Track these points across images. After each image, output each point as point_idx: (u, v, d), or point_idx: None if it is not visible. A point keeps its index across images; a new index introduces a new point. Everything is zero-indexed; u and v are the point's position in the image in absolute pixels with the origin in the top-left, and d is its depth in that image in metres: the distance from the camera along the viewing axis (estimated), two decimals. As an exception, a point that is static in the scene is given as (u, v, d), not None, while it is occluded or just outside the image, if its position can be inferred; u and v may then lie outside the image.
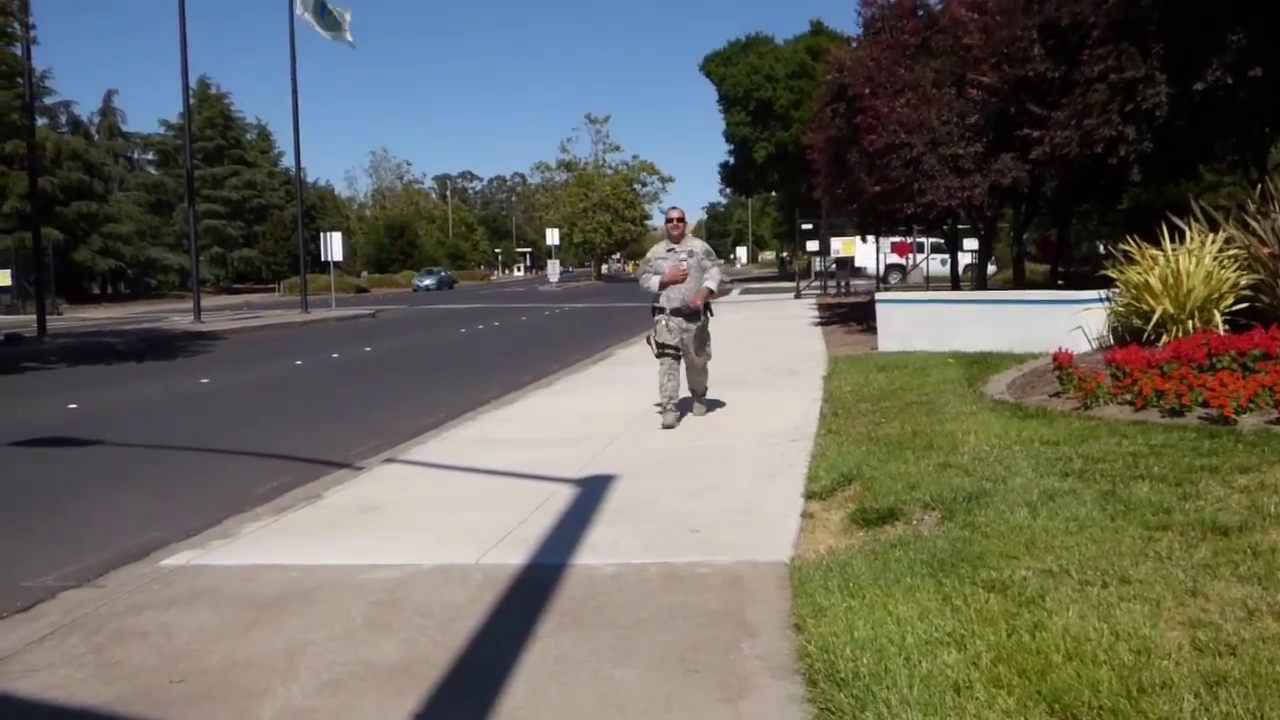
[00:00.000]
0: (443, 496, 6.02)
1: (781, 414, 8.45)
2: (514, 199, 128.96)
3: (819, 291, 34.00)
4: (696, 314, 8.15)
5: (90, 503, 6.58)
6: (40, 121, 34.54)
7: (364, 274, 70.65)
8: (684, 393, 8.53)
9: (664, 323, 8.19)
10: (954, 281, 22.44)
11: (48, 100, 52.18)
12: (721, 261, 8.71)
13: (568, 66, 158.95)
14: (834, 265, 34.40)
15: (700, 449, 7.25)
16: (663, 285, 8.14)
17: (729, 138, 51.70)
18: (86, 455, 8.31)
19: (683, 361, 8.28)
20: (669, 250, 8.22)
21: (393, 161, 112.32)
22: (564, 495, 5.84)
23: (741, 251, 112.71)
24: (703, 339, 8.29)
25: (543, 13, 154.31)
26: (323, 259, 34.91)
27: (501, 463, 6.87)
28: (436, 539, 5.02)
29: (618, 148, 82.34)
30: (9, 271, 35.06)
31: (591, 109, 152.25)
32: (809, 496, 5.52)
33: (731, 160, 54.09)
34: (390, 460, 7.29)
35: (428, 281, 61.95)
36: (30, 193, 22.80)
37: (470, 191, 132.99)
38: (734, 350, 13.19)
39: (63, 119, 56.71)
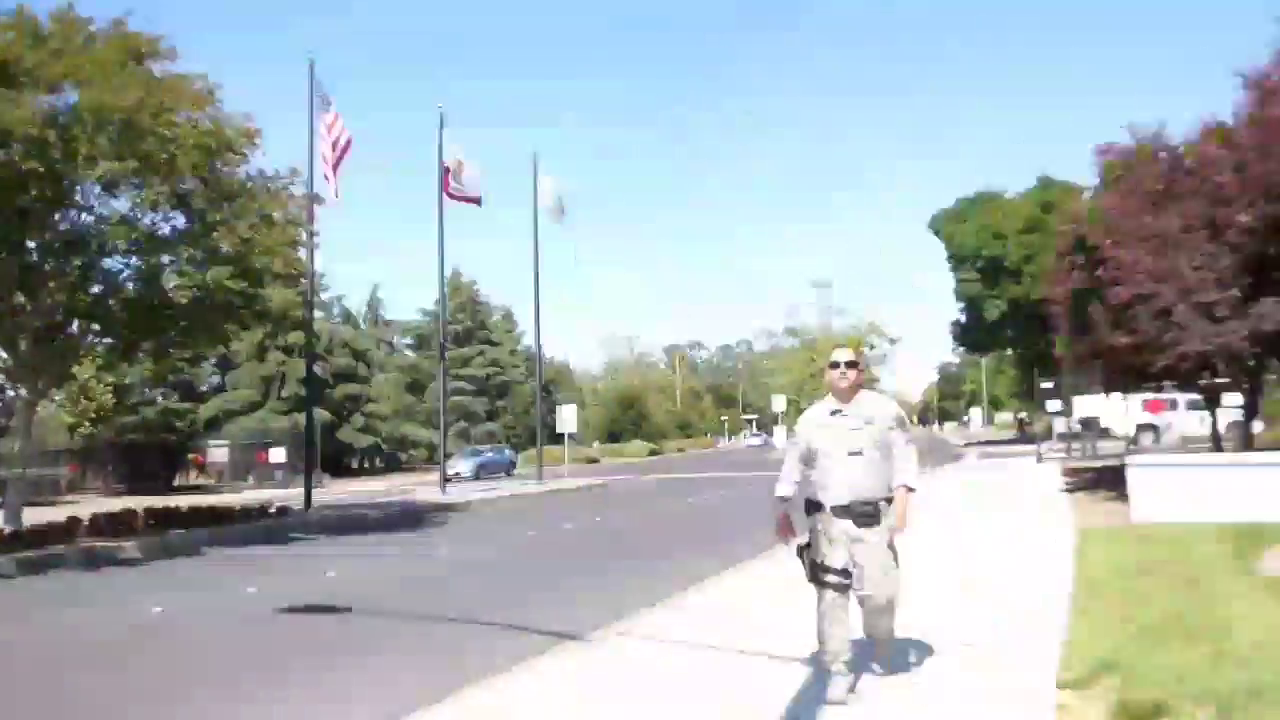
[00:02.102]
0: (658, 688, 5.97)
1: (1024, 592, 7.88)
2: (740, 366, 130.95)
3: (1062, 454, 32.00)
4: (875, 514, 5.10)
5: (340, 671, 6.98)
6: (317, 315, 38.85)
7: (595, 444, 73.02)
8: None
9: (823, 528, 5.18)
10: (1215, 442, 20.54)
11: (324, 295, 58.56)
12: (912, 433, 5.67)
13: (793, 232, 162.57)
14: (1079, 426, 32.45)
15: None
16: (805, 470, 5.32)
17: (959, 295, 50.58)
18: (341, 622, 8.86)
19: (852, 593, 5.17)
20: (833, 414, 5.25)
21: (622, 336, 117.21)
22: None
23: (976, 413, 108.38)
24: (887, 556, 5.16)
25: (764, 183, 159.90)
26: (558, 430, 36.46)
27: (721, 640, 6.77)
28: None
29: (843, 311, 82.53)
30: (283, 449, 38.68)
31: (816, 271, 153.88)
32: (1061, 686, 5.08)
33: (963, 319, 52.83)
34: (622, 634, 7.33)
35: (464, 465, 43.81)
36: (306, 379, 25.41)
37: (698, 360, 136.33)
38: (968, 522, 12.55)
39: (335, 311, 63.26)
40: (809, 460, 5.22)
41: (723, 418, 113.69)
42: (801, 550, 5.28)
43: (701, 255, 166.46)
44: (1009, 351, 61.15)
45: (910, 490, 5.13)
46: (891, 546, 5.13)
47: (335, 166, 24.50)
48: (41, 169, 14.88)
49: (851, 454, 5.05)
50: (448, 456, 33.42)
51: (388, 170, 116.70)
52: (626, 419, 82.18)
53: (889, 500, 5.08)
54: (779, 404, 63.51)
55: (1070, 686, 5.03)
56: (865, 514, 5.05)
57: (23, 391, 17.95)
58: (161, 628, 9.16)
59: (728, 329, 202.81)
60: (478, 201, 30.92)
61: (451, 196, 30.20)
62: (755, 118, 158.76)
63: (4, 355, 17.71)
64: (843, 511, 5.06)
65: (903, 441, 5.18)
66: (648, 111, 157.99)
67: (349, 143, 24.64)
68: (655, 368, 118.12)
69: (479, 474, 41.19)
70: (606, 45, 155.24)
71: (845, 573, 5.06)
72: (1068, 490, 18.62)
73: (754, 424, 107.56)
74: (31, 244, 16.49)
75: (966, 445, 54.58)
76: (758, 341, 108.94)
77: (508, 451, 47.53)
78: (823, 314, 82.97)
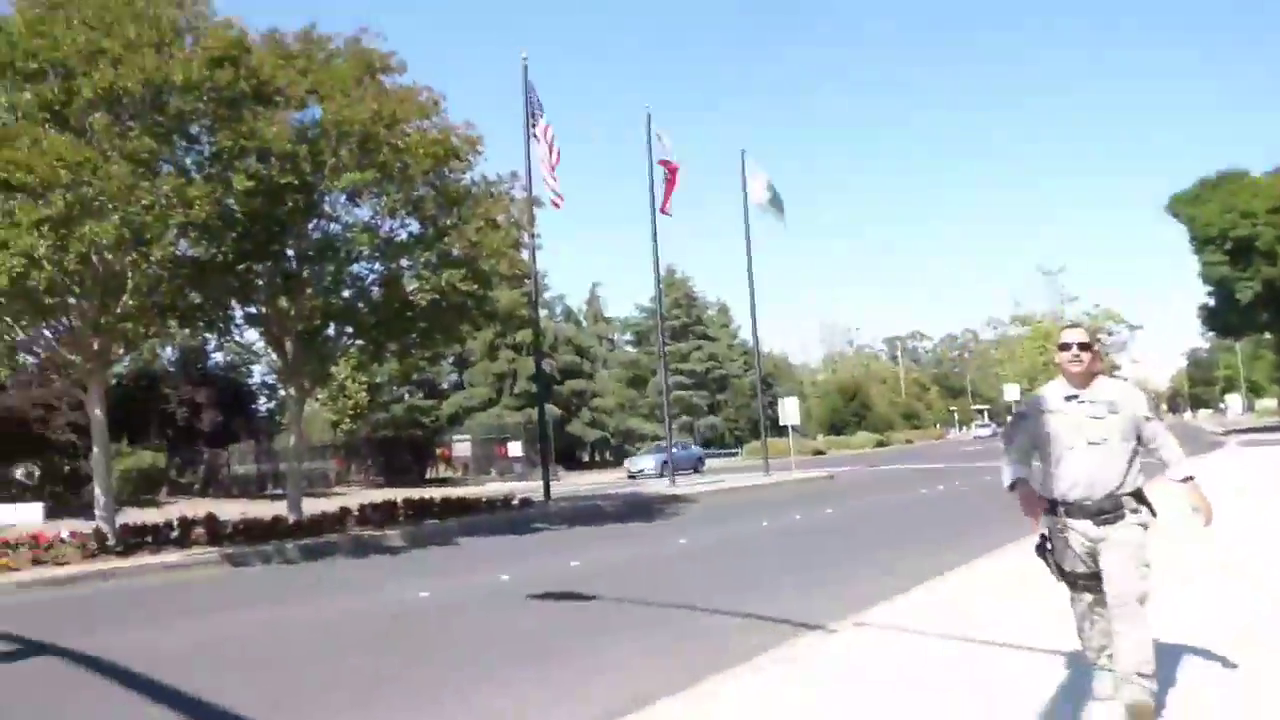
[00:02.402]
0: (915, 671, 5.66)
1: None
2: (966, 355, 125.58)
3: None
4: (1117, 510, 4.39)
5: (593, 654, 7.08)
6: (541, 314, 40.38)
7: (819, 437, 72.00)
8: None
9: (1061, 529, 4.57)
10: None
11: (546, 295, 60.73)
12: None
13: (1020, 218, 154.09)
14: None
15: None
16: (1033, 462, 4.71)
17: (1206, 278, 47.17)
18: (585, 609, 9.04)
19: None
20: (1069, 398, 4.58)
21: (841, 328, 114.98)
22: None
23: (1234, 399, 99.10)
24: (1134, 556, 4.39)
25: (988, 173, 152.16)
26: (780, 423, 36.16)
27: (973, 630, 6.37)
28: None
29: (1075, 298, 77.41)
30: (519, 443, 40.35)
31: (1043, 259, 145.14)
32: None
33: (1211, 302, 49.02)
34: (861, 624, 7.06)
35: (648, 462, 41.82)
36: (536, 375, 26.41)
37: (920, 351, 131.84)
38: (1242, 509, 11.35)
39: (558, 310, 65.47)
40: (1036, 447, 4.58)
41: (951, 408, 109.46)
42: (1041, 549, 4.67)
43: (921, 246, 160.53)
44: (1266, 335, 56.37)
45: (1190, 479, 4.48)
46: (1139, 545, 4.35)
47: (552, 170, 25.33)
48: (295, 181, 16.11)
49: (1092, 443, 4.37)
50: (657, 441, 33.82)
51: (598, 170, 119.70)
52: (849, 411, 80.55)
53: (1133, 495, 4.39)
54: (1011, 393, 60.36)
55: None
56: (1106, 511, 4.37)
57: (291, 391, 19.56)
58: (428, 611, 9.68)
59: (950, 320, 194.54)
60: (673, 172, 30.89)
61: (673, 176, 30.47)
62: (978, 100, 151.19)
63: (274, 357, 19.34)
64: (1079, 510, 4.41)
65: (1161, 430, 4.50)
66: (868, 96, 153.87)
67: (558, 153, 25.44)
68: (876, 359, 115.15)
69: (663, 472, 37.99)
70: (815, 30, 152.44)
71: (1094, 575, 4.45)
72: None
73: (984, 414, 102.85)
74: (290, 252, 17.91)
75: (1225, 433, 50.13)
76: (983, 331, 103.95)
77: (695, 448, 44.25)
78: (1053, 301, 78.14)
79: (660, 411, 39.15)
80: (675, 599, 9.16)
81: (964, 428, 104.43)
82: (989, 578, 8.89)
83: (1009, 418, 4.96)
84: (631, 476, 33.16)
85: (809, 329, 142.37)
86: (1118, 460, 4.39)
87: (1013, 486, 4.59)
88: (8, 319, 14.96)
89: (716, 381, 71.03)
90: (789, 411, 34.74)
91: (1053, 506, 4.52)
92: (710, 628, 7.82)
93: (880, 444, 72.53)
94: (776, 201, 35.67)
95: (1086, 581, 4.51)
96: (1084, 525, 4.41)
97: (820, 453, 60.18)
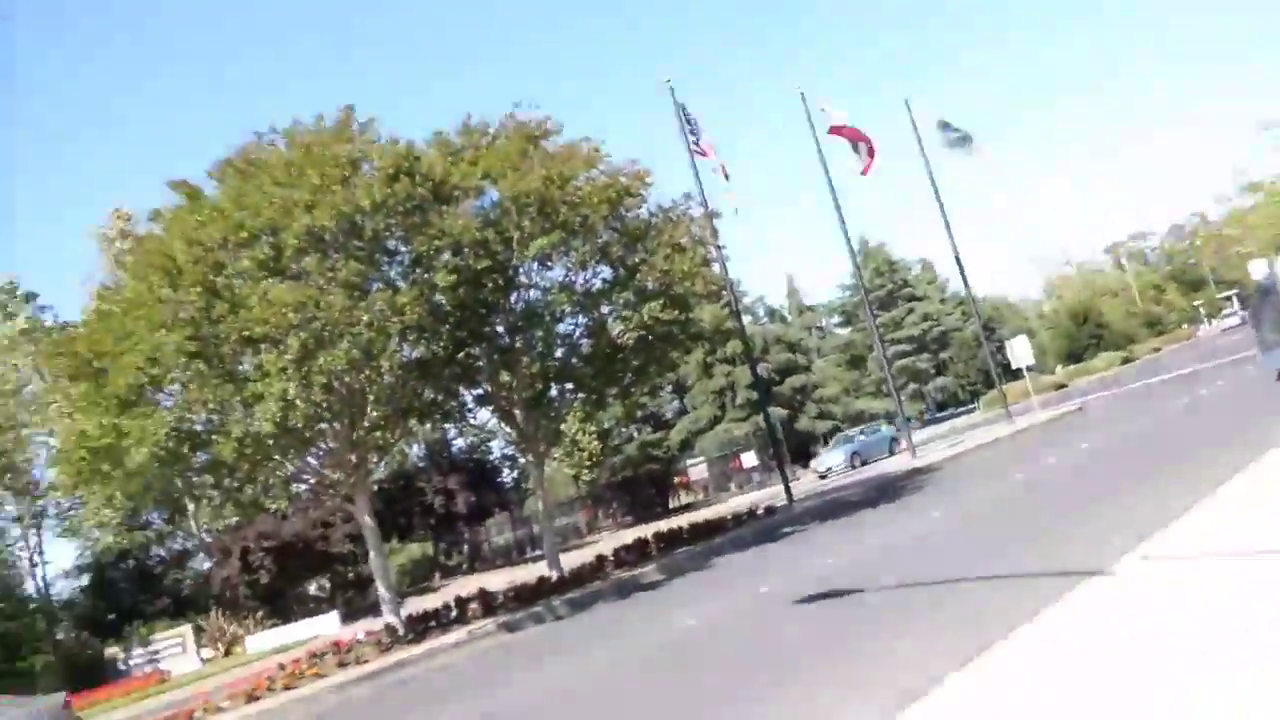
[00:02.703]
0: (1198, 603, 5.43)
1: None
2: (1198, 243, 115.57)
3: None
4: None
5: (870, 644, 7.17)
6: (745, 320, 40.56)
7: (1058, 370, 68.23)
8: None
9: None
10: None
11: (746, 301, 60.83)
12: None
13: (1233, 73, 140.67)
14: None
15: None
16: None
17: None
18: (851, 605, 9.11)
19: None
20: None
21: (1055, 250, 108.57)
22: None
23: None
24: None
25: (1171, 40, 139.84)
26: (1013, 367, 34.65)
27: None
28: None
29: (1311, 147, 69.68)
30: (752, 453, 40.56)
31: (1260, 115, 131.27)
32: None
33: None
34: (1146, 558, 6.80)
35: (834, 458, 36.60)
36: (754, 382, 26.58)
37: (1147, 252, 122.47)
38: None
39: (761, 312, 65.40)
40: None
41: (1195, 303, 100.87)
42: None
43: (1114, 143, 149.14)
44: None
45: None
46: None
47: (726, 177, 25.71)
48: (490, 263, 17.15)
49: None
50: (907, 419, 33.05)
51: (762, 159, 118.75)
52: (1084, 335, 75.81)
53: None
54: (1259, 270, 54.90)
55: None
56: None
57: (530, 457, 20.65)
58: (700, 635, 10.05)
59: (1171, 210, 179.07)
60: (871, 157, 30.49)
61: (849, 135, 30.15)
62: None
63: (508, 430, 20.51)
64: None
65: None
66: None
67: (724, 167, 25.89)
68: (1100, 273, 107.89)
69: (854, 463, 34.60)
70: None
71: None
72: None
73: (1233, 299, 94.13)
74: (500, 329, 19.00)
75: None
76: (1211, 211, 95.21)
77: (884, 428, 38.60)
78: None
79: (886, 386, 38.40)
80: (939, 574, 9.09)
81: (1213, 321, 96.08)
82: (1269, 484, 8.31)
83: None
84: (822, 476, 32.27)
85: (1021, 262, 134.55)
86: None
87: None
88: (276, 456, 16.65)
89: (937, 340, 68.74)
90: (1019, 352, 33.25)
91: None
92: (981, 596, 7.74)
93: (1126, 360, 67.81)
94: (960, 136, 34.29)
95: None
96: None
97: (1062, 386, 56.95)
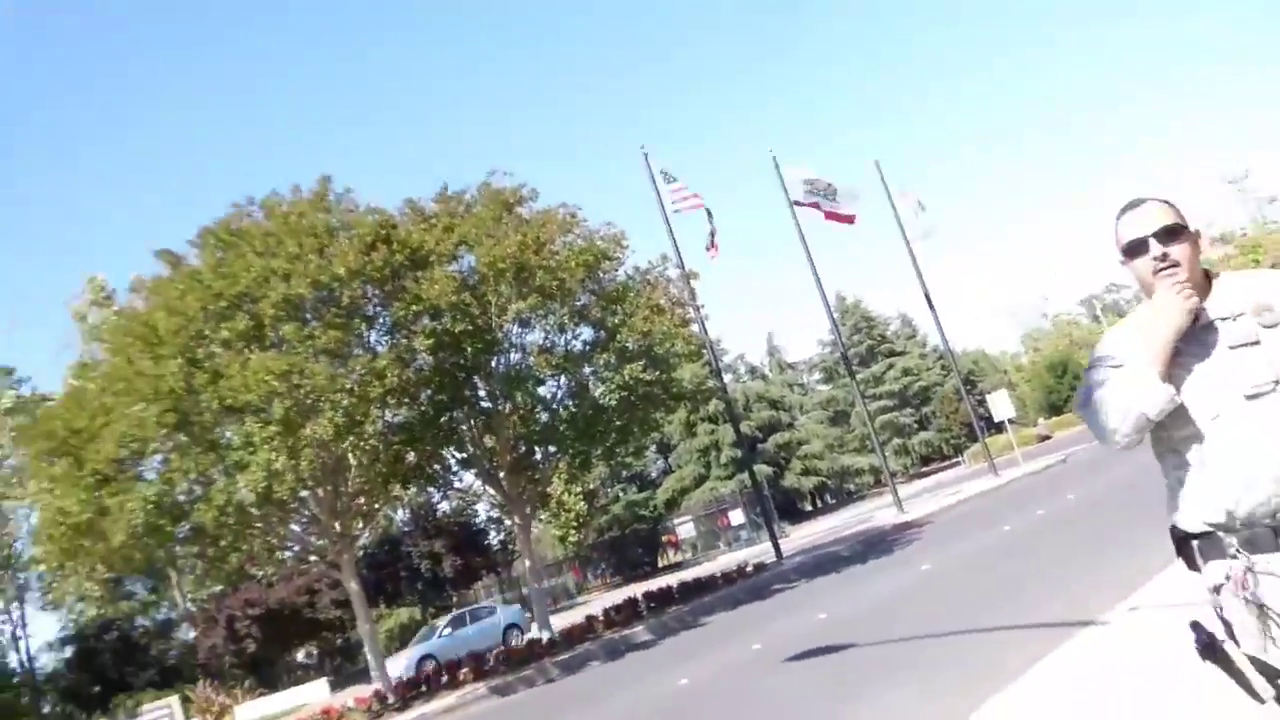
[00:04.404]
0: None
1: None
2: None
3: None
4: None
5: (863, 703, 7.09)
6: (726, 378, 40.70)
7: (1039, 422, 68.57)
8: None
9: (1243, 582, 2.29)
10: None
11: (727, 359, 61.08)
12: None
13: (1182, 132, 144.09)
14: None
15: None
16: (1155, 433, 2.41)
17: None
18: (843, 661, 9.01)
19: None
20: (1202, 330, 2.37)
21: (1031, 303, 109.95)
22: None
23: None
24: None
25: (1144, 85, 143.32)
26: (995, 420, 34.80)
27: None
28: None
29: (1274, 198, 71.42)
30: (740, 510, 40.42)
31: (1219, 167, 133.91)
32: None
33: None
34: (1134, 609, 6.78)
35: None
36: (737, 440, 26.61)
37: (1121, 303, 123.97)
38: None
39: (742, 370, 65.61)
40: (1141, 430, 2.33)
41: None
42: (1209, 645, 2.32)
43: (1089, 194, 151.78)
44: None
45: None
46: None
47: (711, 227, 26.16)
48: (469, 327, 17.19)
49: (1253, 395, 2.27)
50: (892, 474, 33.06)
51: (742, 219, 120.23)
52: (1064, 385, 76.34)
53: None
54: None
55: None
56: None
57: (515, 519, 20.50)
58: (694, 696, 9.93)
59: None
60: (851, 220, 30.96)
61: (828, 216, 30.53)
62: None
63: (491, 492, 20.38)
64: (1272, 536, 2.25)
65: None
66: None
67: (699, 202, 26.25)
68: (1076, 325, 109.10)
69: (422, 672, 18.94)
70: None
71: None
72: None
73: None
74: (481, 392, 18.96)
75: None
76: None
77: (502, 610, 27.46)
78: (1247, 207, 72.22)
79: (870, 441, 38.58)
80: (929, 629, 9.02)
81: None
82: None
83: (1081, 387, 2.49)
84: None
85: (999, 315, 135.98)
86: None
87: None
88: (259, 525, 16.47)
89: (918, 395, 69.05)
90: (1000, 406, 33.45)
91: (1209, 541, 2.36)
92: (972, 649, 7.67)
93: (1108, 411, 68.24)
94: (922, 206, 35.00)
95: None
96: None
97: (1046, 437, 57.19)
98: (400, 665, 22.33)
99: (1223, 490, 2.30)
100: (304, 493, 16.57)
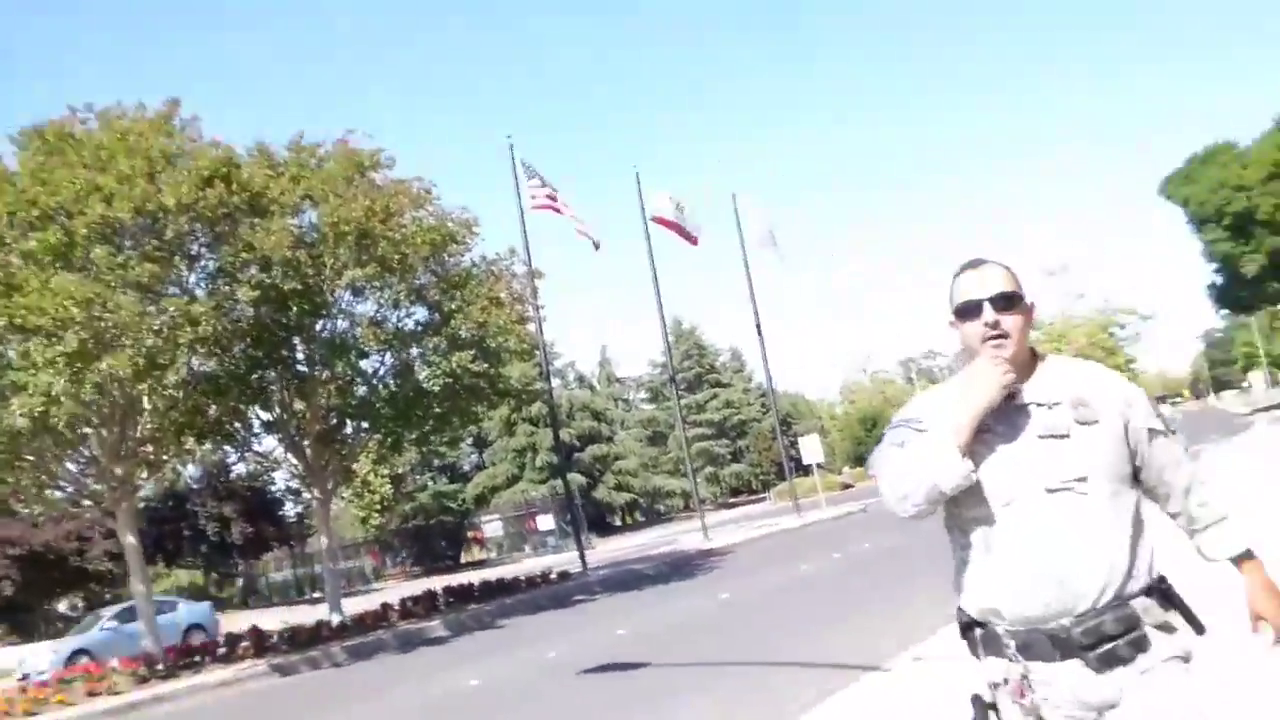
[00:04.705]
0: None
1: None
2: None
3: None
4: (1136, 634, 2.11)
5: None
6: (554, 383, 40.51)
7: (844, 470, 71.54)
8: None
9: (1017, 691, 2.17)
10: None
11: (557, 364, 60.92)
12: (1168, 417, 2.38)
13: (1013, 219, 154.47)
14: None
15: None
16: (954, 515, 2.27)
17: (1209, 256, 47.75)
18: (638, 678, 8.92)
19: None
20: (1000, 409, 2.20)
21: (857, 356, 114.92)
22: None
23: (1257, 377, 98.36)
24: None
25: (931, 160, 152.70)
26: (804, 462, 35.95)
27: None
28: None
29: (1082, 295, 77.10)
30: (550, 516, 40.20)
31: (1043, 259, 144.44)
32: None
33: (1219, 280, 49.48)
34: (919, 659, 6.96)
35: None
36: (556, 446, 26.44)
37: (935, 370, 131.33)
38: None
39: (570, 377, 65.59)
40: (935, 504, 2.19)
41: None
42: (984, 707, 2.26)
43: (930, 259, 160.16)
44: (1279, 307, 56.60)
45: (1248, 556, 2.27)
46: (1193, 712, 2.11)
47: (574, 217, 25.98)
48: (299, 286, 16.33)
49: (1056, 489, 2.14)
50: (701, 501, 33.64)
51: (598, 233, 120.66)
52: (872, 440, 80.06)
53: (1155, 594, 2.17)
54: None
55: None
56: (1110, 637, 2.10)
57: (316, 493, 19.58)
58: (481, 698, 9.62)
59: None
60: (694, 240, 31.41)
61: (671, 227, 30.87)
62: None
63: (294, 462, 19.41)
64: (1054, 643, 2.12)
65: (1178, 451, 2.29)
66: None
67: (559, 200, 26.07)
68: (892, 383, 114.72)
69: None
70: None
71: None
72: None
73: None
74: (300, 355, 18.05)
75: (1251, 413, 49.75)
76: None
77: (184, 609, 23.90)
78: (1061, 301, 77.76)
79: (684, 466, 39.19)
80: (726, 655, 9.05)
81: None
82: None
83: (878, 445, 2.46)
84: (21, 679, 18.44)
85: (826, 361, 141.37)
86: (1113, 520, 2.15)
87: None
88: (31, 457, 15.08)
89: (736, 428, 70.82)
90: (810, 449, 34.60)
91: (989, 634, 2.23)
92: (763, 681, 7.72)
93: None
94: (775, 238, 35.94)
95: None
96: (1067, 675, 2.12)
97: (849, 486, 59.68)
98: (45, 659, 19.68)
99: (1004, 584, 2.17)
100: (86, 429, 15.28)
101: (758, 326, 34.67)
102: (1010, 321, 2.23)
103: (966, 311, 2.27)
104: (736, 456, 70.38)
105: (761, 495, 64.91)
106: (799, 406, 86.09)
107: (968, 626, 2.31)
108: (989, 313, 2.23)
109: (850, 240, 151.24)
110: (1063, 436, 2.18)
